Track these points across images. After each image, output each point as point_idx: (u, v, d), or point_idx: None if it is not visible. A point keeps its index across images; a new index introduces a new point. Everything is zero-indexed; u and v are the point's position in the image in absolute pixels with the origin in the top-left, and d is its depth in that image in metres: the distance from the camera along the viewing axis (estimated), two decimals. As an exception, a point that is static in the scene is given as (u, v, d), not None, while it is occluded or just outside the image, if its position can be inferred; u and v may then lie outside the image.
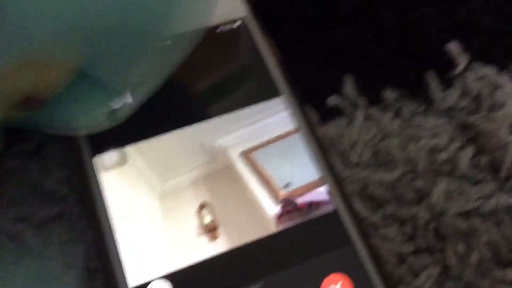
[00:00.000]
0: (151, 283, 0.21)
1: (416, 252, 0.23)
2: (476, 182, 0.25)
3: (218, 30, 0.26)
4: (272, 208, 0.22)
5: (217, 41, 0.26)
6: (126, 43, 0.18)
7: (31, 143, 0.25)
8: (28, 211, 0.23)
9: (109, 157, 0.23)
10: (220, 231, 0.22)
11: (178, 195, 0.23)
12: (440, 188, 0.24)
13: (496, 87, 0.27)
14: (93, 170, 0.22)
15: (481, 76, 0.27)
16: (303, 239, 0.22)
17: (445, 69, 0.27)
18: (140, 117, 0.24)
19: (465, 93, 0.27)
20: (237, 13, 0.27)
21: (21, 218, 0.23)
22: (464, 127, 0.26)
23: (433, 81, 0.27)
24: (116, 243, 0.21)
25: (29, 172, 0.24)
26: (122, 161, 0.23)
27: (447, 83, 0.27)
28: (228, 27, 0.26)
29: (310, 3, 0.29)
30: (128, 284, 0.20)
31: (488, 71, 0.28)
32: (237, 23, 0.27)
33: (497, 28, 0.29)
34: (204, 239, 0.22)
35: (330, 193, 0.23)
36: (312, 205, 0.22)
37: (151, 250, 0.21)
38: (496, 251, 0.23)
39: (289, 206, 0.22)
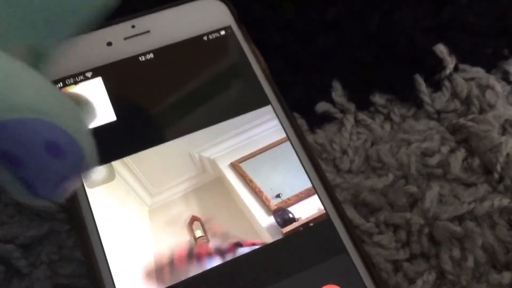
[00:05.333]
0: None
1: (411, 258, 0.23)
2: (469, 185, 0.25)
3: (204, 39, 0.26)
4: (264, 219, 0.22)
5: (203, 50, 0.26)
6: None
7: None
8: (16, 231, 0.23)
9: (97, 173, 0.23)
10: (212, 244, 0.21)
11: (168, 209, 0.22)
12: (432, 192, 0.24)
13: (485, 88, 0.27)
14: (81, 187, 0.22)
15: (470, 77, 0.27)
16: (296, 250, 0.21)
17: (433, 71, 0.27)
18: (127, 131, 0.23)
19: (454, 95, 0.27)
20: (222, 22, 0.26)
21: (9, 239, 0.22)
22: (455, 129, 0.26)
23: (421, 84, 0.27)
24: (106, 261, 0.21)
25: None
26: (110, 177, 0.23)
27: (435, 86, 0.27)
28: (214, 35, 0.26)
29: (295, 10, 0.28)
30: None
31: (477, 72, 0.27)
32: (223, 32, 0.26)
33: (483, 28, 0.29)
34: (196, 252, 0.21)
35: (322, 201, 0.22)
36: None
37: (142, 266, 0.21)
38: (492, 254, 0.23)
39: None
